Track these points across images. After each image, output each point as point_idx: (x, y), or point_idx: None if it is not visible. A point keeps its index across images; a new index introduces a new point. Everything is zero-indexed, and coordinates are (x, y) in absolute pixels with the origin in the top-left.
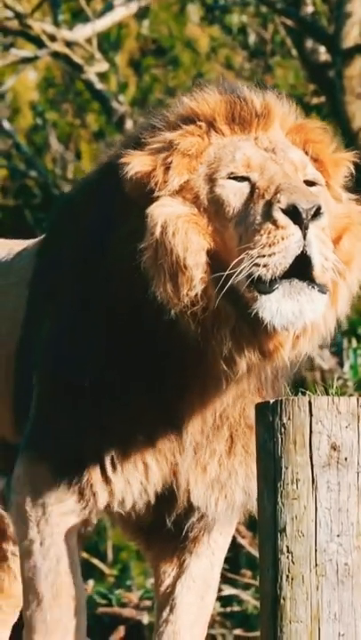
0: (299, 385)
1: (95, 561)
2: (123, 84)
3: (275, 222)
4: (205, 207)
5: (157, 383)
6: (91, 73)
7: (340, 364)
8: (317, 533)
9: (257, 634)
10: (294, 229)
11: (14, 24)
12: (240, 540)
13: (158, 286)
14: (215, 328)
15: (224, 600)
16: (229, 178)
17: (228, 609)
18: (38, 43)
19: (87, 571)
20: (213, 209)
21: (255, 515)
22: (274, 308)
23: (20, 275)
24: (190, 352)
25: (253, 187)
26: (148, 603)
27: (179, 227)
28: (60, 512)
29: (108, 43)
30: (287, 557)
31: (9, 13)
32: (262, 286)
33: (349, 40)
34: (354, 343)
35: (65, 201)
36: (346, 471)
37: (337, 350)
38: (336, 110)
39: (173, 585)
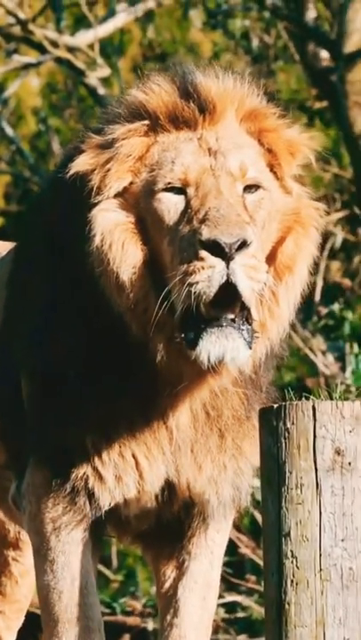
0: (302, 390)
1: (100, 567)
2: (126, 90)
3: (195, 254)
4: (143, 217)
5: (132, 377)
6: (93, 78)
7: (343, 370)
8: (322, 538)
9: (262, 639)
10: (215, 262)
11: (17, 30)
12: (243, 550)
13: (106, 287)
14: (152, 332)
15: (228, 607)
16: (166, 190)
17: (233, 615)
18: (41, 49)
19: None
20: (150, 220)
21: (249, 518)
22: (203, 354)
23: (3, 282)
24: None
25: (188, 203)
26: (152, 610)
27: (115, 238)
28: (68, 524)
29: (112, 48)
30: (292, 562)
31: (11, 20)
32: (190, 339)
33: (351, 45)
34: (356, 349)
35: (35, 198)
36: (350, 475)
37: (339, 356)
38: (338, 115)
39: (175, 587)
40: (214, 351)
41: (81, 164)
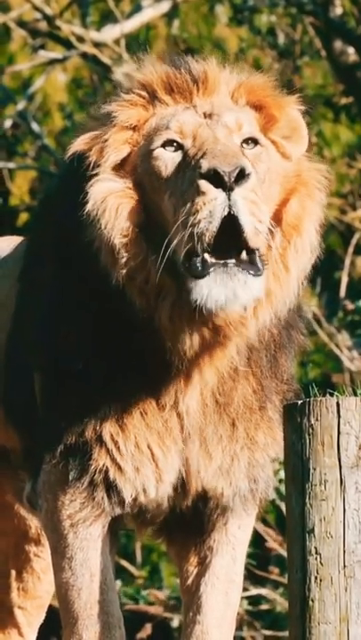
0: (327, 386)
1: (124, 563)
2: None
3: (197, 189)
4: (142, 180)
5: (142, 362)
6: (119, 74)
7: None
8: (346, 534)
9: (286, 634)
10: (217, 193)
11: (43, 26)
12: (271, 544)
13: (102, 259)
14: (157, 300)
15: (252, 600)
16: (163, 147)
17: (256, 608)
18: (67, 44)
19: (116, 572)
20: (149, 182)
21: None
22: (204, 292)
23: (11, 267)
24: (154, 328)
25: (185, 155)
26: (176, 602)
27: (109, 204)
28: (86, 519)
29: (137, 43)
30: (316, 559)
31: (38, 15)
32: (195, 269)
33: None
34: None
35: (47, 189)
36: None
37: None
38: None
39: (197, 583)
40: (217, 292)
41: (78, 143)
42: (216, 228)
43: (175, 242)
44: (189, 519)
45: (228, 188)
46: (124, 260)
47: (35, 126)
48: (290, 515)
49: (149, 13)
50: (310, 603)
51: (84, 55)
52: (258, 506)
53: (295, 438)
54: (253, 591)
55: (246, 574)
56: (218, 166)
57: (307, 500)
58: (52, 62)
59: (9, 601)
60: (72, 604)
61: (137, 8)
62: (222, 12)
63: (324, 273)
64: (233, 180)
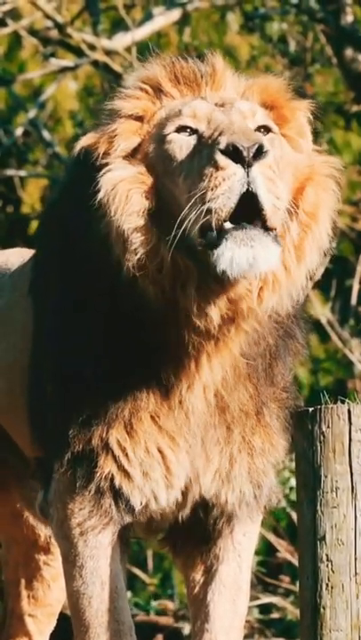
0: (338, 393)
1: (136, 570)
2: None
3: (215, 165)
4: (154, 165)
5: (150, 362)
6: (130, 81)
7: None
8: (357, 542)
9: None
10: (236, 169)
11: (54, 34)
12: (283, 554)
13: (115, 249)
14: (179, 287)
15: (263, 607)
16: (177, 132)
17: (267, 617)
18: (78, 52)
19: (127, 580)
20: (162, 166)
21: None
22: (228, 256)
23: (24, 284)
24: (166, 321)
25: (200, 138)
26: (185, 612)
27: (119, 190)
28: (95, 527)
29: (148, 51)
30: (327, 566)
31: (49, 23)
32: (211, 238)
33: None
34: None
35: (52, 199)
36: None
37: None
38: None
39: (204, 592)
40: (240, 254)
41: (86, 138)
42: (234, 204)
43: (191, 217)
44: (194, 528)
45: (246, 164)
46: (134, 247)
47: (46, 134)
48: (301, 522)
49: (160, 21)
50: (322, 610)
51: (95, 63)
52: (262, 513)
53: (306, 445)
54: (264, 599)
55: (257, 582)
56: (237, 141)
57: (318, 507)
58: (63, 70)
59: (19, 609)
60: (83, 613)
61: (148, 16)
62: (233, 19)
63: (336, 280)
64: (252, 155)
